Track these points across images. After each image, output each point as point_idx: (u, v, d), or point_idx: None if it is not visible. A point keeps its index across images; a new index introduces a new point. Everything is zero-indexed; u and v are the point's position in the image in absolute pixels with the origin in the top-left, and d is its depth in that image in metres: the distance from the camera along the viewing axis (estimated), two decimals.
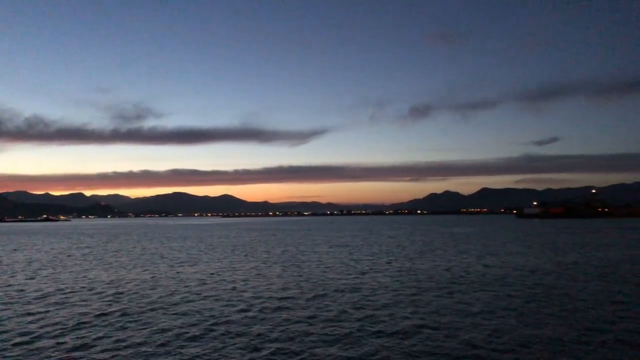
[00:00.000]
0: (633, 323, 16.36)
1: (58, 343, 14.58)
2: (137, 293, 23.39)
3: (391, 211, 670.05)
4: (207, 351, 13.64)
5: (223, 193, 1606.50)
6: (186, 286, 25.37)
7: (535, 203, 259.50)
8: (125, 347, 14.14)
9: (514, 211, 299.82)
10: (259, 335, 15.30)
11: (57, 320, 17.62)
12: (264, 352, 13.52)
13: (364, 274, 29.75)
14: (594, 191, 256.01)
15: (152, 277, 29.11)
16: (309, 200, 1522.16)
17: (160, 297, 22.21)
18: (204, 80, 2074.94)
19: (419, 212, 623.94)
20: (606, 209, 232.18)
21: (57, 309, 19.61)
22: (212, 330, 15.90)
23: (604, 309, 18.58)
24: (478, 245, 53.29)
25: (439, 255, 42.13)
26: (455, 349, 13.63)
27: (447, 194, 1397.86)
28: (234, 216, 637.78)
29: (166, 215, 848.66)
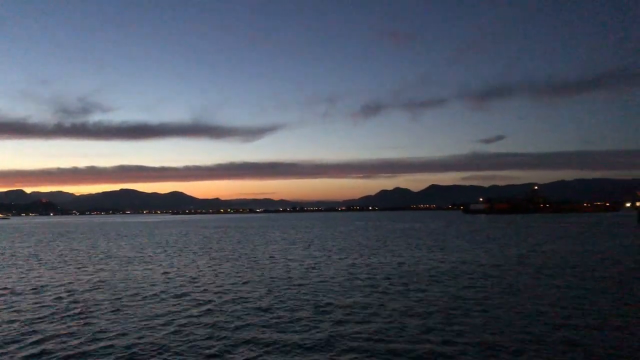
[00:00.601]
0: (578, 319, 17.37)
1: (4, 352, 14.06)
2: (87, 294, 22.71)
3: (343, 207, 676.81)
4: (167, 353, 13.51)
5: (172, 190, 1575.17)
6: (139, 286, 24.84)
7: (481, 199, 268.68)
8: (67, 356, 13.81)
9: (461, 207, 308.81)
10: (221, 336, 15.25)
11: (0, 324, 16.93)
12: (226, 353, 13.53)
13: (320, 269, 30.02)
14: (536, 188, 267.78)
15: (102, 277, 28.29)
16: (261, 197, 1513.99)
17: (113, 297, 21.67)
18: (153, 73, 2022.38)
19: (370, 208, 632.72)
20: (547, 205, 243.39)
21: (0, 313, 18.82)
22: (173, 332, 15.70)
23: (548, 300, 19.60)
24: (430, 241, 54.73)
25: (392, 250, 43.00)
26: (411, 345, 14.10)
27: (398, 191, 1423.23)
28: (184, 213, 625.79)
29: (113, 213, 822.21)
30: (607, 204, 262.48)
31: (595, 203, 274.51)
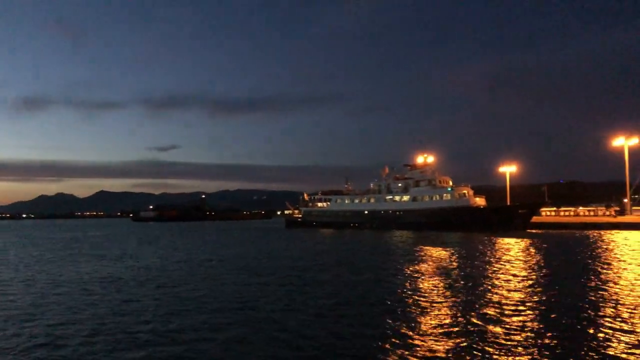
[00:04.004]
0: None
1: None
2: None
3: None
4: None
5: None
6: None
7: (151, 207, 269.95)
8: None
9: (131, 214, 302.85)
10: None
11: None
12: None
13: None
14: (203, 196, 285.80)
15: None
16: None
17: None
18: None
19: (24, 216, 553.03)
20: (213, 212, 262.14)
21: None
22: None
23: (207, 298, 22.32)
24: (103, 250, 52.65)
25: (70, 262, 39.89)
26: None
27: (60, 197, 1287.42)
28: None
29: None
30: (263, 212, 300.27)
31: (253, 211, 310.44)
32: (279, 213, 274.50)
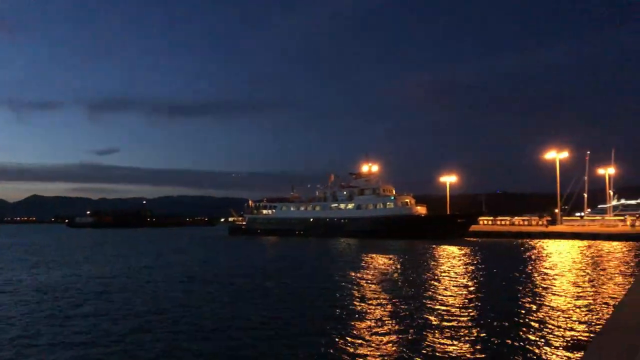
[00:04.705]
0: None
1: None
2: None
3: None
4: None
5: None
6: None
7: (88, 212, 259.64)
8: None
9: (66, 220, 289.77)
10: None
11: None
12: None
13: None
14: (144, 202, 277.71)
15: None
16: None
17: None
18: None
19: None
20: (154, 219, 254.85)
21: None
22: None
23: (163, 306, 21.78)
24: (39, 257, 50.00)
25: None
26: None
27: None
28: None
29: None
30: (206, 219, 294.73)
31: (196, 218, 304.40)
32: (222, 220, 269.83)
